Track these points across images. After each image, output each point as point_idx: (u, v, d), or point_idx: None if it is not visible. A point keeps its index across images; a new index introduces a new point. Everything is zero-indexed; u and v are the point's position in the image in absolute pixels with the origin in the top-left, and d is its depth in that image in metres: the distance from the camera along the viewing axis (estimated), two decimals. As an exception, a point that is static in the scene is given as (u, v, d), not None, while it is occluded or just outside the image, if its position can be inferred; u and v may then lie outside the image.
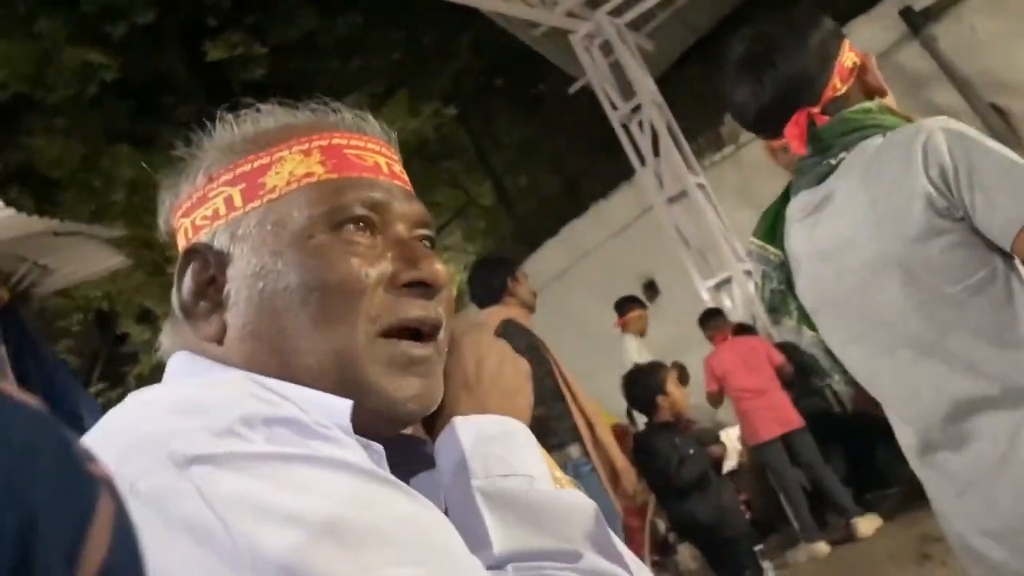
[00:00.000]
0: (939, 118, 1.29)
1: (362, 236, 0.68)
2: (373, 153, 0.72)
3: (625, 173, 8.69)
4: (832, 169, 1.38)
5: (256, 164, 0.69)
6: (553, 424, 3.09)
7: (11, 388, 0.27)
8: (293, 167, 0.68)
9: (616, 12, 7.64)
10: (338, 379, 0.64)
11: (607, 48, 7.62)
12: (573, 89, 8.27)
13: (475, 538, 0.58)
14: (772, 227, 1.51)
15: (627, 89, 7.54)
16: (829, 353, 1.49)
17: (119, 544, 0.28)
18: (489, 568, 0.56)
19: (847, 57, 1.42)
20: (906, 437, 1.38)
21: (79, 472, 0.28)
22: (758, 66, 1.41)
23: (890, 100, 1.45)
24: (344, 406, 0.61)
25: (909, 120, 1.38)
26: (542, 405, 3.06)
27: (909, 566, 4.07)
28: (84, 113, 10.64)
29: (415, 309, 0.67)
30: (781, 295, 1.51)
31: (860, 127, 1.37)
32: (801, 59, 1.39)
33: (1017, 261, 1.23)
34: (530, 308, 3.41)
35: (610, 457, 3.15)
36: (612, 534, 0.62)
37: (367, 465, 0.55)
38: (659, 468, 4.11)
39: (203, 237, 0.69)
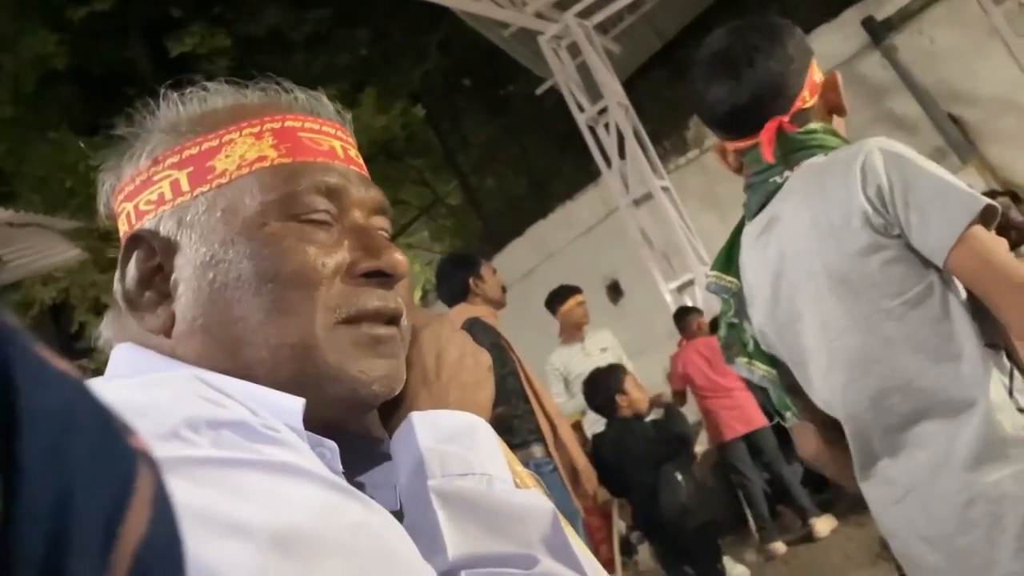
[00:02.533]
0: (879, 139, 1.32)
1: (318, 224, 0.65)
2: (328, 137, 0.69)
3: (591, 175, 8.73)
4: (777, 187, 1.41)
5: (205, 147, 0.65)
6: (516, 423, 3.10)
7: (50, 354, 0.26)
8: (244, 151, 0.65)
9: (584, 14, 7.66)
10: (296, 370, 0.62)
11: (575, 50, 7.64)
12: (540, 90, 8.29)
13: (429, 541, 0.56)
14: (727, 258, 1.53)
15: (594, 91, 7.56)
16: (784, 388, 1.49)
17: (159, 520, 0.27)
18: (443, 574, 0.54)
19: (815, 71, 1.44)
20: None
21: (118, 443, 0.27)
22: (737, 64, 1.40)
23: (840, 123, 1.47)
24: (296, 405, 0.58)
25: (848, 144, 1.40)
26: (505, 404, 3.06)
27: (864, 565, 4.15)
28: (42, 103, 10.41)
29: (374, 299, 0.65)
30: (735, 330, 1.52)
31: (803, 147, 1.39)
32: (780, 64, 1.39)
33: (953, 277, 1.26)
34: (498, 304, 3.40)
35: (571, 457, 3.17)
36: (569, 537, 0.60)
37: (317, 470, 0.53)
38: (639, 447, 4.08)
39: (148, 223, 0.66)
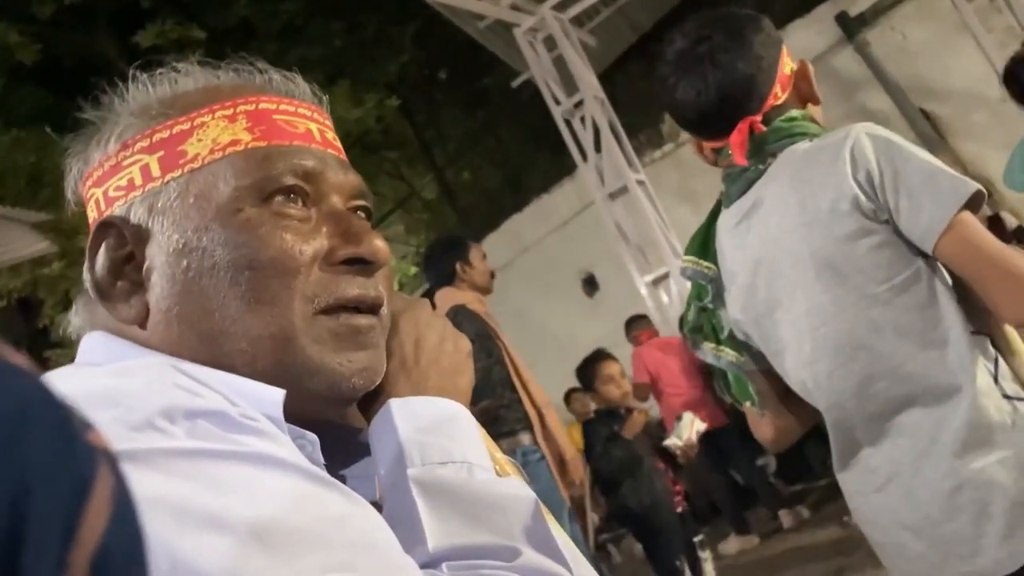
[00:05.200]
0: (866, 124, 1.31)
1: (294, 209, 0.63)
2: (304, 119, 0.67)
3: (567, 168, 8.74)
4: (760, 174, 1.39)
5: (175, 130, 0.63)
6: (503, 413, 3.07)
7: (6, 349, 0.25)
8: (217, 134, 0.63)
9: (560, 7, 7.65)
10: (275, 362, 0.60)
11: (551, 43, 7.63)
12: (516, 83, 8.28)
13: (409, 532, 0.55)
14: (704, 243, 1.51)
15: (570, 84, 7.57)
16: (749, 375, 1.49)
17: (119, 520, 0.26)
18: (423, 566, 0.53)
19: (786, 63, 1.41)
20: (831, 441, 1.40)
21: (76, 441, 0.26)
22: (702, 66, 1.37)
23: (817, 111, 1.44)
24: (276, 395, 0.57)
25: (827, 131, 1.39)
26: (492, 394, 3.03)
27: (834, 556, 4.20)
28: (10, 96, 10.20)
29: (353, 288, 0.63)
30: (707, 315, 1.50)
31: (788, 134, 1.38)
32: (747, 63, 1.36)
33: (940, 263, 1.27)
34: (484, 290, 3.34)
35: (559, 446, 3.16)
36: (550, 527, 0.59)
37: (297, 461, 0.52)
38: (594, 454, 4.13)
39: (118, 209, 0.64)
